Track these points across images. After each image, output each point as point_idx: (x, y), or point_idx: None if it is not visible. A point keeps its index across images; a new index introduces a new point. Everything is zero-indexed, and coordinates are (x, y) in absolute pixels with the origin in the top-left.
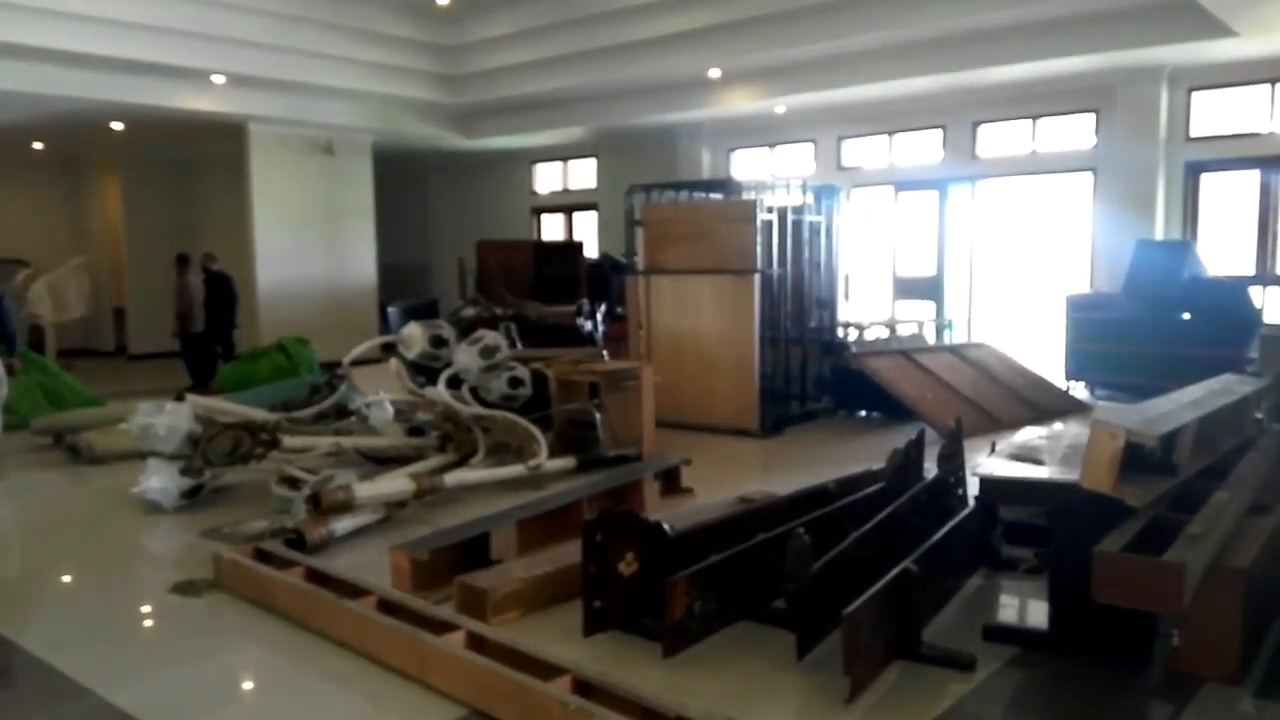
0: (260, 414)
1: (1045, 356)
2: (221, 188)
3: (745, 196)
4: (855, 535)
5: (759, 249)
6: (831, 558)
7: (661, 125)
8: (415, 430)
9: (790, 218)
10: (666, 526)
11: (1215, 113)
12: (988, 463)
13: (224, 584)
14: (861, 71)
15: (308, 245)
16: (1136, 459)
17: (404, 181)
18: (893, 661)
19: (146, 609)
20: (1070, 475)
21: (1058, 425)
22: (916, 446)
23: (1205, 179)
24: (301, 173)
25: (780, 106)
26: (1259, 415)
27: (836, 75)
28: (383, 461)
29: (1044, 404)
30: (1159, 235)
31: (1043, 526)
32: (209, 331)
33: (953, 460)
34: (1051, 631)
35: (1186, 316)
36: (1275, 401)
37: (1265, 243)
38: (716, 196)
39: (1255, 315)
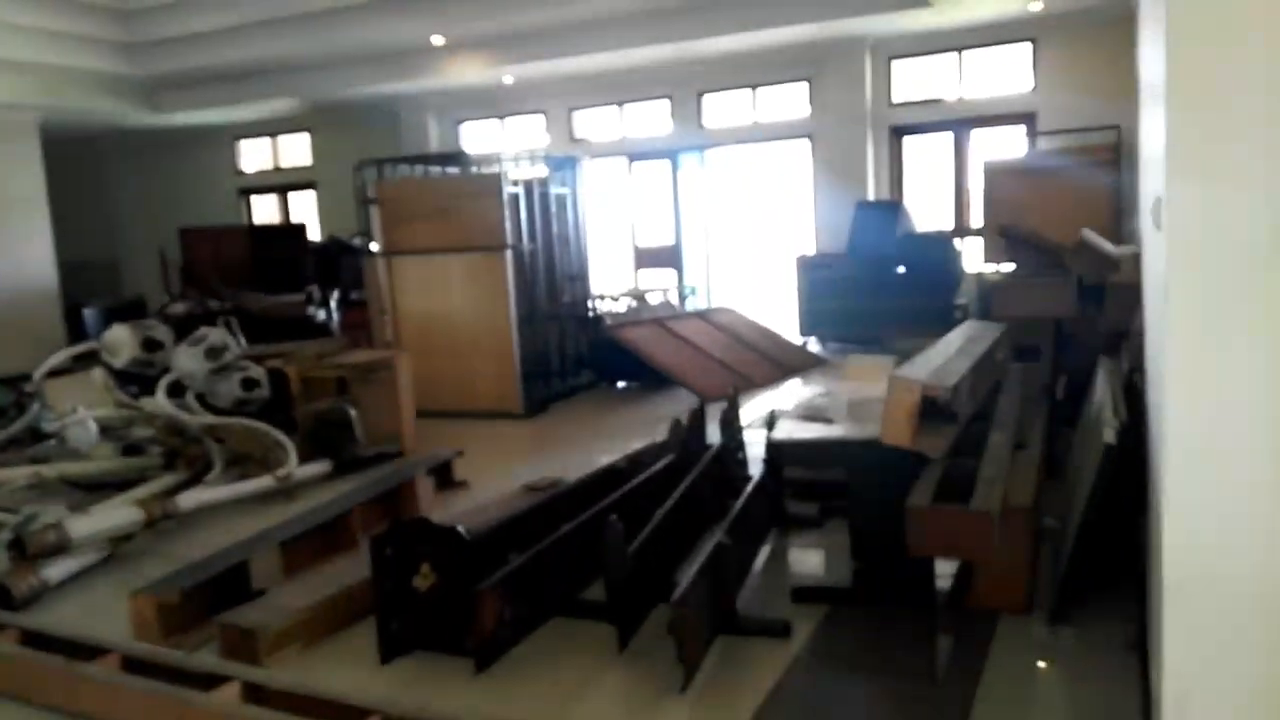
0: None
1: (780, 316)
2: None
3: (486, 170)
4: (660, 513)
5: (508, 224)
6: (643, 541)
7: (382, 96)
8: (131, 449)
9: (537, 191)
10: (462, 530)
11: (912, 80)
12: (784, 426)
13: None
14: (588, 41)
15: None
16: (921, 411)
17: (80, 166)
18: (715, 638)
19: None
20: (867, 432)
21: (801, 384)
22: (698, 415)
23: (907, 141)
24: None
25: (508, 77)
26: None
27: (564, 44)
28: (95, 488)
29: (788, 361)
30: (871, 196)
31: (824, 482)
32: None
33: (732, 426)
34: (855, 586)
35: (901, 271)
36: (1011, 344)
37: (960, 198)
38: (453, 171)
39: (959, 266)
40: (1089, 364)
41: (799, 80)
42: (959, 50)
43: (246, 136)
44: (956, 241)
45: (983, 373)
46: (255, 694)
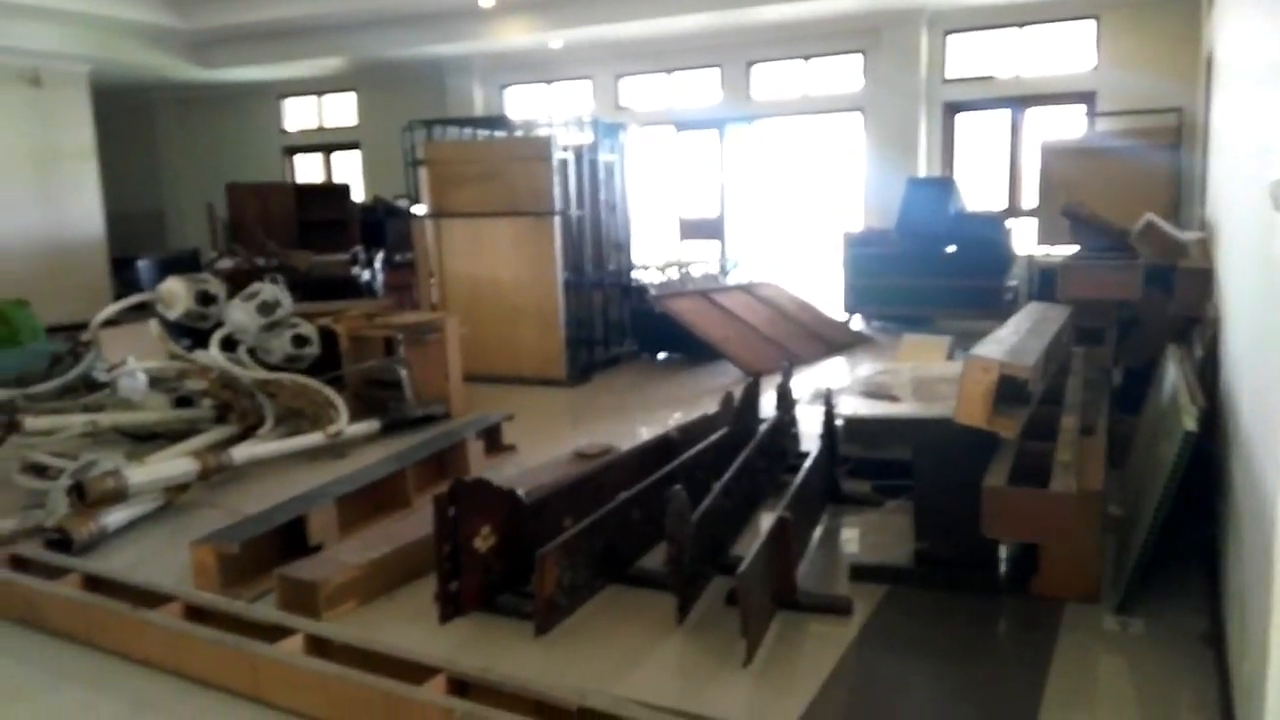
0: None
1: (824, 292)
2: None
3: (533, 134)
4: (720, 485)
5: (557, 189)
6: (703, 512)
7: (428, 58)
8: (183, 401)
9: (585, 157)
10: (521, 493)
11: (968, 56)
12: (847, 403)
13: None
14: (639, 6)
15: (16, 194)
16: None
17: (128, 119)
18: (776, 614)
19: None
20: (937, 411)
21: (846, 362)
22: (752, 389)
23: (961, 118)
24: (3, 109)
25: (556, 41)
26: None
27: (614, 9)
28: (147, 439)
29: (832, 338)
30: (922, 173)
31: (879, 460)
32: None
33: (787, 400)
34: (917, 566)
35: (951, 250)
36: (1074, 327)
37: (1014, 178)
38: (499, 135)
39: (1010, 247)
40: (1152, 349)
41: (852, 52)
42: (1019, 26)
43: (292, 95)
44: (1008, 222)
45: (1052, 355)
46: (318, 647)
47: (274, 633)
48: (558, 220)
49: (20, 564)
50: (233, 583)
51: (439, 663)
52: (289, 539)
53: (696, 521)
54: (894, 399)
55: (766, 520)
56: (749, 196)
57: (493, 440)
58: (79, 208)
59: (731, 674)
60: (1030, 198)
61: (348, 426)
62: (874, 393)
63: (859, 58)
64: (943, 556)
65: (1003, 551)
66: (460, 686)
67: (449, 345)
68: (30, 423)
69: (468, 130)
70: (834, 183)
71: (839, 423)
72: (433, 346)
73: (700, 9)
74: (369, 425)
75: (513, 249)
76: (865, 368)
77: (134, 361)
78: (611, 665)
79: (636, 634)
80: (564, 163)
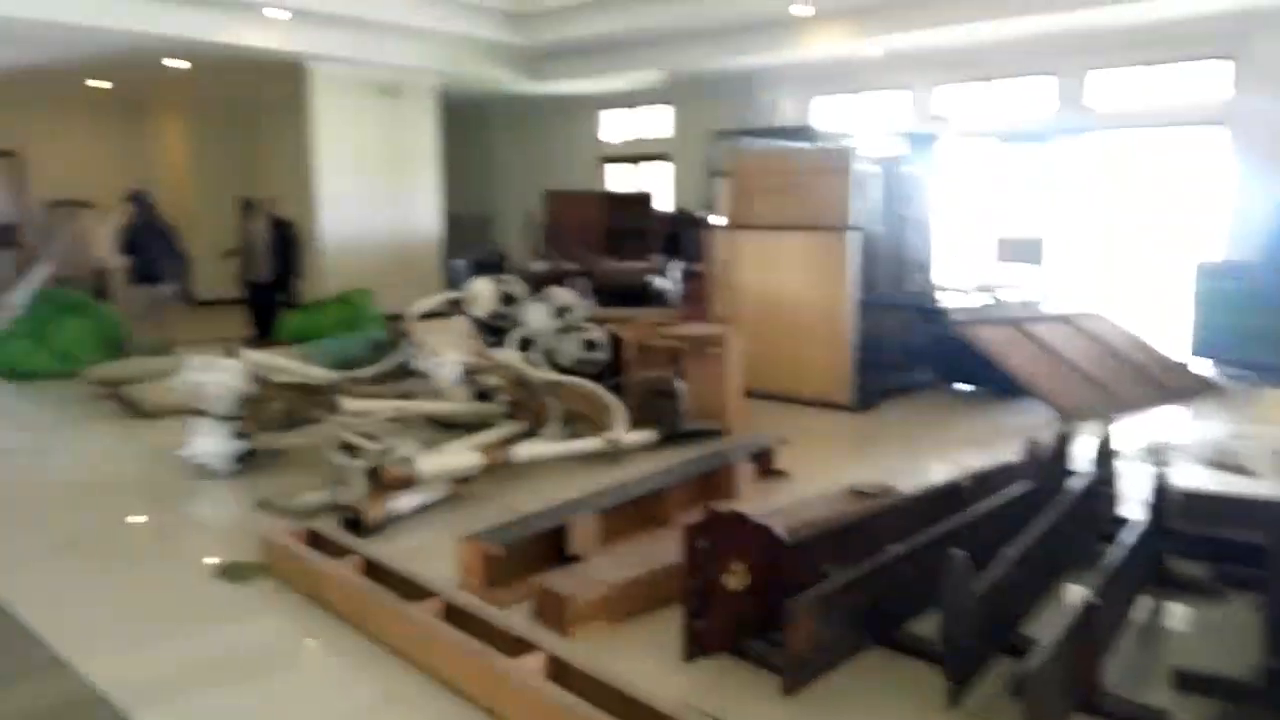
0: (318, 373)
1: (1165, 329)
2: (283, 131)
3: (835, 145)
4: (1014, 553)
5: (854, 203)
6: (991, 583)
7: (738, 70)
8: (483, 395)
9: (888, 170)
10: (781, 532)
11: None
12: (1188, 469)
13: (275, 570)
14: (974, 8)
15: (371, 193)
16: None
17: (467, 128)
18: (1072, 717)
19: (184, 594)
20: None
21: (1186, 413)
22: (1064, 438)
23: None
24: (364, 116)
25: (874, 48)
26: None
27: (944, 11)
28: (447, 428)
29: (1169, 384)
30: None
31: (1221, 541)
32: (274, 280)
33: (1108, 456)
34: (1268, 684)
35: None
36: None
37: None
38: (802, 146)
39: None
40: None
41: (1215, 58)
42: None
43: (608, 107)
44: None
45: None
46: (558, 667)
47: (520, 646)
48: (853, 236)
49: (316, 540)
50: (495, 581)
51: (673, 711)
52: (552, 545)
53: (981, 593)
54: (1248, 472)
55: (1069, 595)
56: (1079, 217)
57: (764, 463)
58: (422, 208)
59: None
60: None
61: (626, 434)
62: (1222, 461)
63: (1222, 64)
64: None
65: None
66: None
67: (729, 360)
68: (347, 404)
69: (773, 142)
70: (1185, 205)
71: (1172, 491)
72: (713, 360)
73: (1044, 9)
74: (646, 435)
75: (804, 264)
76: (1212, 425)
77: (450, 354)
78: None
79: (899, 711)
80: (864, 176)
